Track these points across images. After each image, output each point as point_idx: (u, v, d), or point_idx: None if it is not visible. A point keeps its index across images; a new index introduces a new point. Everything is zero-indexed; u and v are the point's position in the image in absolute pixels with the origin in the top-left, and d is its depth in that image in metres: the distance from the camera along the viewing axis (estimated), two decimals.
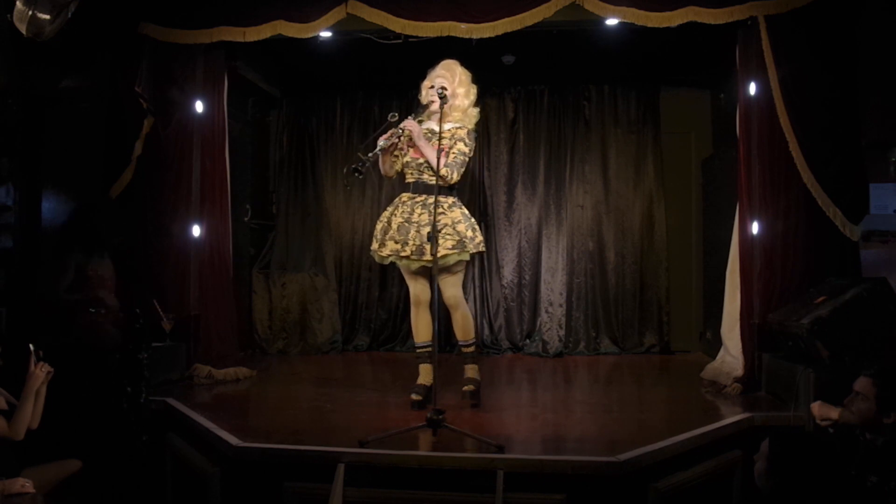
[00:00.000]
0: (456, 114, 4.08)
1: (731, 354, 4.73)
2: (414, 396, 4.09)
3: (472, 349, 4.21)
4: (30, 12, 4.01)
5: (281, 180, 6.73)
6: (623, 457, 3.08)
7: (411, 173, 4.10)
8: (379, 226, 4.15)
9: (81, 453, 3.36)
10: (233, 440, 3.35)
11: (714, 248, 5.83)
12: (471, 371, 4.21)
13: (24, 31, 4.04)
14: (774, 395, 4.23)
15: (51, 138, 4.60)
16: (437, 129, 3.92)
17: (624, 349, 6.30)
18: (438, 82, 4.02)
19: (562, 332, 6.29)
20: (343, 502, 3.07)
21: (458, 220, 3.99)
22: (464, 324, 4.12)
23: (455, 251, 3.93)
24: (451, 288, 4.05)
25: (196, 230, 4.98)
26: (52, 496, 3.14)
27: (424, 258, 3.91)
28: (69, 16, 4.16)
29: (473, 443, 3.31)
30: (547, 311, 6.34)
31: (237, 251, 5.52)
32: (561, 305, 6.33)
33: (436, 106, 3.93)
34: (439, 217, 3.82)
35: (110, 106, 4.98)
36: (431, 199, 3.80)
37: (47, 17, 4.05)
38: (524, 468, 3.09)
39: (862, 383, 2.73)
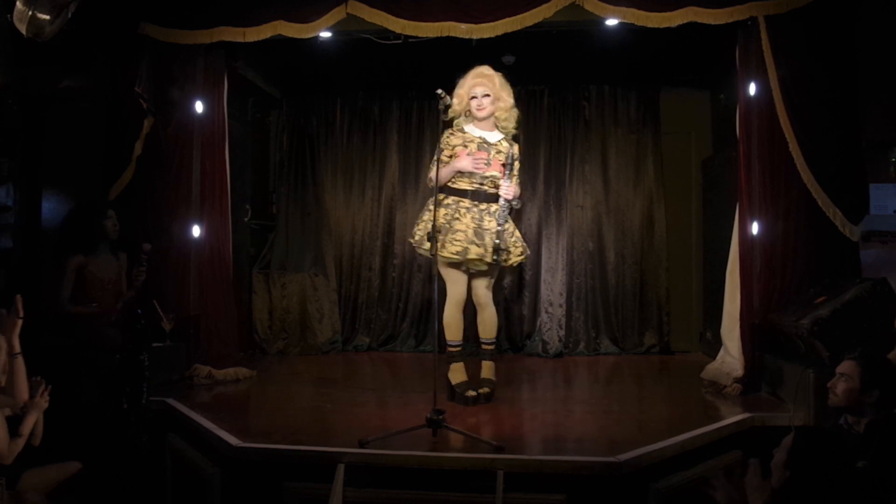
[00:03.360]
0: (502, 114, 4.27)
1: (731, 355, 4.72)
2: (469, 393, 4.20)
3: (492, 347, 4.40)
4: (29, 12, 4.01)
5: (281, 180, 6.72)
6: (623, 457, 3.09)
7: (472, 182, 4.18)
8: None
9: (81, 454, 3.36)
10: (233, 440, 3.35)
11: (714, 249, 5.83)
12: (488, 370, 4.34)
13: (23, 32, 4.04)
14: (774, 395, 4.23)
15: (51, 138, 4.61)
16: (489, 139, 4.23)
17: (624, 349, 6.29)
18: (480, 91, 4.20)
19: (562, 333, 6.28)
20: (343, 502, 3.07)
21: (515, 227, 4.30)
22: (492, 322, 4.36)
23: (523, 256, 4.31)
24: (486, 288, 4.30)
25: (196, 230, 4.98)
26: (53, 497, 3.14)
27: (502, 262, 4.14)
28: (69, 16, 4.17)
29: (473, 443, 3.31)
30: (547, 312, 6.33)
31: (237, 251, 5.52)
32: (561, 306, 6.32)
33: (483, 113, 4.19)
34: (507, 224, 4.15)
35: (110, 106, 4.99)
36: (494, 207, 4.14)
37: (47, 17, 4.05)
38: (524, 468, 3.09)
39: (846, 365, 2.82)
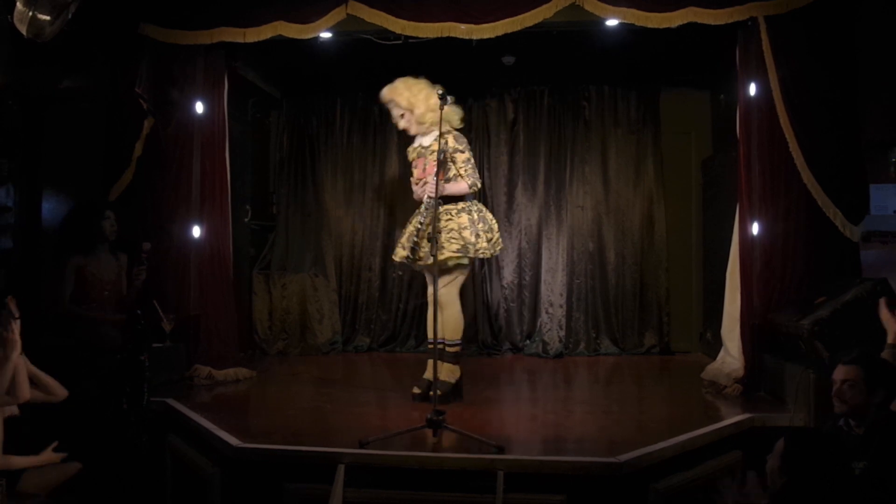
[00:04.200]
0: (427, 118, 4.25)
1: (731, 355, 4.72)
2: (415, 389, 4.24)
3: (454, 349, 4.29)
4: (30, 13, 4.00)
5: (281, 181, 6.73)
6: (623, 458, 3.09)
7: (423, 188, 4.29)
8: (403, 235, 4.45)
9: (82, 454, 3.36)
10: (233, 441, 3.35)
11: (714, 249, 5.83)
12: (445, 371, 4.23)
13: (24, 32, 4.04)
14: (774, 395, 4.23)
15: (51, 139, 4.61)
16: (424, 143, 4.29)
17: (624, 350, 6.29)
18: (396, 113, 4.31)
19: (562, 333, 6.28)
20: (343, 503, 3.07)
21: (464, 226, 4.17)
22: (451, 324, 4.25)
23: (458, 255, 4.12)
24: (443, 287, 4.19)
25: (196, 231, 4.98)
26: (53, 497, 3.14)
27: (420, 262, 4.17)
28: (69, 17, 4.16)
29: (473, 443, 3.31)
30: (547, 312, 6.33)
31: (237, 252, 5.52)
32: (561, 306, 6.32)
33: (413, 130, 4.31)
34: (446, 223, 4.12)
35: (110, 107, 4.99)
36: (440, 208, 4.07)
37: (47, 18, 4.05)
38: (524, 469, 3.09)
39: (845, 371, 2.72)
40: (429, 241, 3.77)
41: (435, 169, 4.07)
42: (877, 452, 2.55)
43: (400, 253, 4.32)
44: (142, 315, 3.89)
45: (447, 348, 4.26)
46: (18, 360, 3.09)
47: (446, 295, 4.21)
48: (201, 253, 4.98)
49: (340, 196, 6.68)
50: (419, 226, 4.13)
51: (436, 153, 4.11)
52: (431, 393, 3.98)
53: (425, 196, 4.17)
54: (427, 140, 4.30)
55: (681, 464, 3.31)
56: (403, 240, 4.33)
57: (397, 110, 4.31)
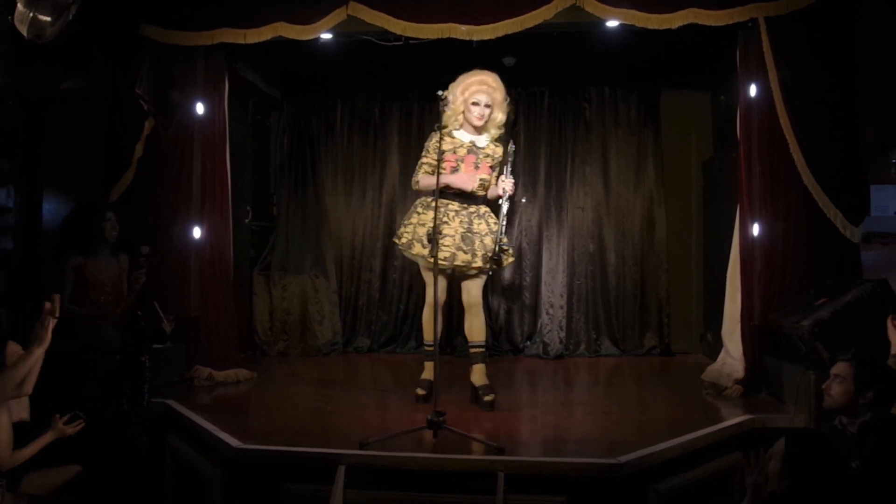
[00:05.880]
0: (494, 130, 4.30)
1: (732, 356, 4.72)
2: (419, 391, 4.23)
3: (482, 350, 4.31)
4: (31, 14, 4.00)
5: (281, 182, 6.73)
6: (623, 459, 3.09)
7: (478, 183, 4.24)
8: (422, 230, 4.10)
9: (82, 455, 3.36)
10: (233, 442, 3.35)
11: (714, 250, 5.83)
12: (480, 374, 4.23)
13: (25, 33, 4.04)
14: (775, 396, 4.23)
15: (51, 140, 4.61)
16: (478, 143, 4.25)
17: (624, 351, 6.29)
18: (484, 100, 4.14)
19: (562, 334, 6.28)
20: None
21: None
22: (481, 325, 4.27)
23: (513, 256, 4.33)
24: (479, 290, 4.22)
25: (197, 232, 4.98)
26: (54, 497, 3.14)
27: (504, 262, 4.17)
28: (70, 18, 4.16)
29: (474, 444, 3.31)
30: (547, 313, 6.33)
31: (238, 253, 5.51)
32: (561, 307, 6.32)
33: (482, 123, 4.18)
34: (493, 224, 4.17)
35: (111, 108, 4.99)
36: (484, 209, 4.20)
37: (48, 19, 4.05)
38: (525, 470, 3.09)
39: (839, 367, 2.80)
40: (429, 241, 3.77)
41: (490, 171, 4.22)
42: (871, 452, 2.56)
43: (462, 257, 4.06)
44: (142, 316, 3.89)
45: (477, 349, 4.25)
46: (38, 361, 3.09)
47: (479, 297, 4.23)
48: (202, 254, 4.98)
49: (341, 197, 6.68)
50: (490, 228, 4.13)
51: (489, 157, 4.26)
52: (487, 398, 4.09)
53: (506, 195, 4.08)
54: (481, 141, 4.26)
55: (681, 465, 3.31)
56: (459, 242, 4.08)
57: (487, 99, 4.14)
